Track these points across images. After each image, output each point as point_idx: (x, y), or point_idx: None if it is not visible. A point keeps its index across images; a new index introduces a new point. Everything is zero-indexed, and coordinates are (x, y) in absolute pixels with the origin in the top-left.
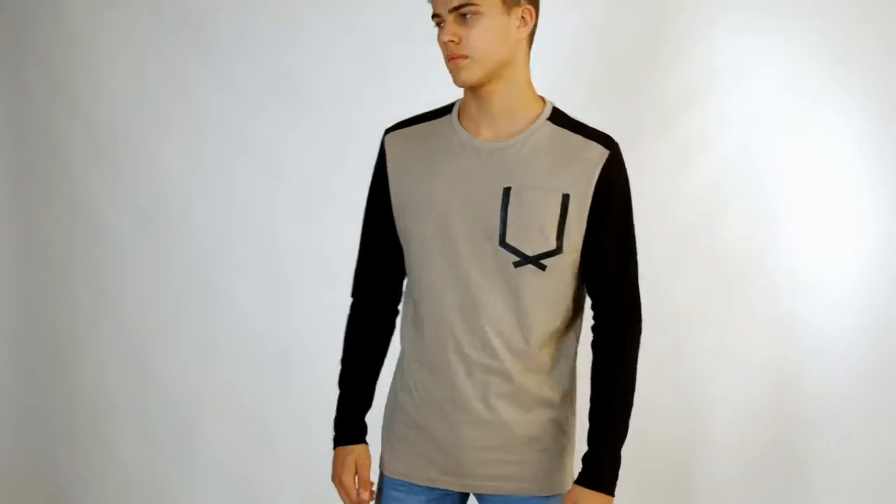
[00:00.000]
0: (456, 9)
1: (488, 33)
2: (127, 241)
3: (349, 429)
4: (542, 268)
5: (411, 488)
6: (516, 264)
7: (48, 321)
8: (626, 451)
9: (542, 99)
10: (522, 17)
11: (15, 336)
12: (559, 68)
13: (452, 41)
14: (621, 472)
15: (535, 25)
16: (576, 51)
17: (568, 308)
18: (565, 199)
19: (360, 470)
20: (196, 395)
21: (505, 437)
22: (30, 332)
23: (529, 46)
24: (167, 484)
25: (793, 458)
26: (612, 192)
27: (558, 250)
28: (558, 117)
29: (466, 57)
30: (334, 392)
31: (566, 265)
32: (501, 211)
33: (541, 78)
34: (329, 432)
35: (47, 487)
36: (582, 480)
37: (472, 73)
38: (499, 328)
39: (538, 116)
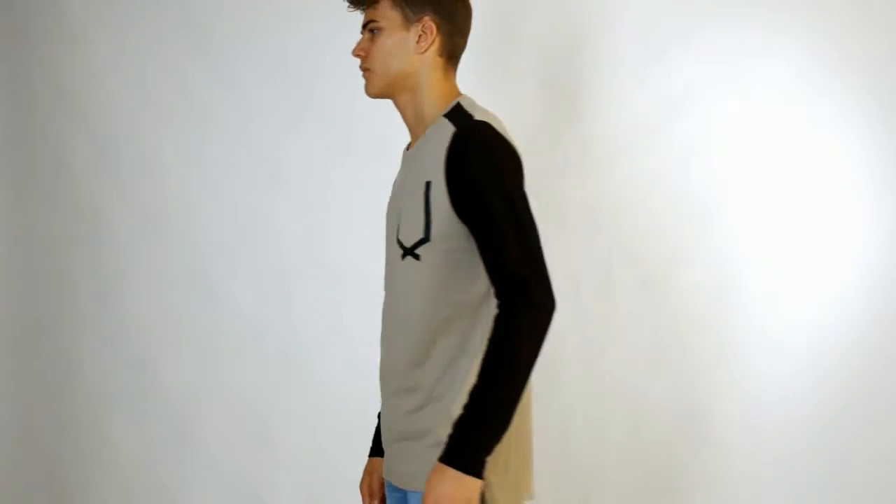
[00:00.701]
0: (365, 25)
1: (385, 48)
2: (127, 240)
3: (372, 443)
4: (417, 257)
5: (389, 484)
6: (402, 257)
7: (49, 321)
8: (624, 452)
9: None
10: (423, 31)
11: (16, 336)
12: (556, 67)
13: (360, 55)
14: (619, 473)
15: (448, 38)
16: (573, 49)
17: (457, 301)
18: (427, 186)
19: (371, 479)
20: (196, 395)
21: (404, 431)
22: (31, 331)
23: (447, 58)
24: (167, 484)
25: (790, 459)
26: (463, 168)
27: (426, 238)
28: (454, 112)
29: (369, 70)
30: (334, 392)
31: (439, 253)
32: (400, 210)
33: (537, 75)
34: (328, 431)
35: (48, 487)
36: (441, 456)
37: (373, 85)
38: (398, 323)
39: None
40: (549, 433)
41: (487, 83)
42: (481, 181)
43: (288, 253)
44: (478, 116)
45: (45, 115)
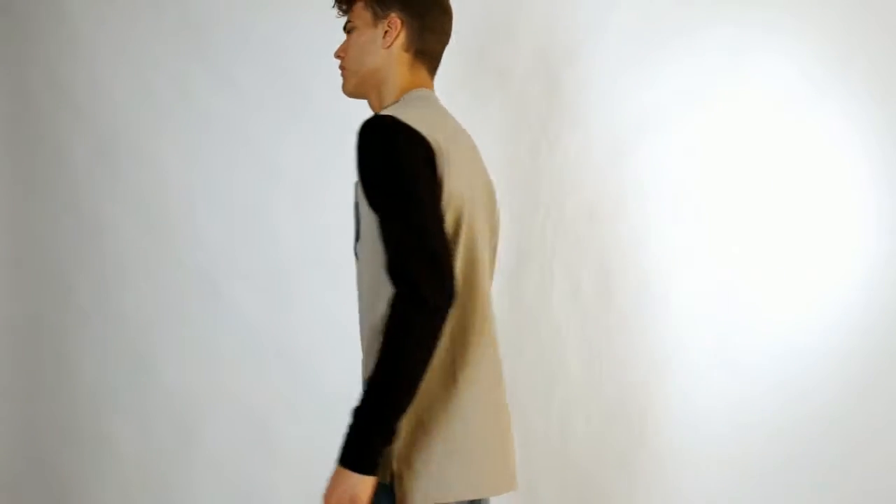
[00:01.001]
0: (344, 27)
1: (356, 45)
2: (127, 240)
3: None
4: (357, 257)
5: None
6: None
7: (48, 321)
8: (624, 452)
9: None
10: (388, 27)
11: (15, 336)
12: (556, 67)
13: (339, 56)
14: (619, 473)
15: (417, 35)
16: (572, 49)
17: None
18: (356, 187)
19: None
20: (196, 395)
21: None
22: (30, 331)
23: (414, 54)
24: (167, 484)
25: (792, 460)
26: (359, 164)
27: (357, 237)
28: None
29: (345, 68)
30: (334, 392)
31: (369, 251)
32: None
33: (538, 75)
34: (328, 431)
35: (47, 487)
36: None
37: (347, 83)
38: (360, 321)
39: None
40: (550, 433)
41: (488, 84)
42: (372, 176)
43: (288, 253)
44: (390, 111)
45: (44, 115)
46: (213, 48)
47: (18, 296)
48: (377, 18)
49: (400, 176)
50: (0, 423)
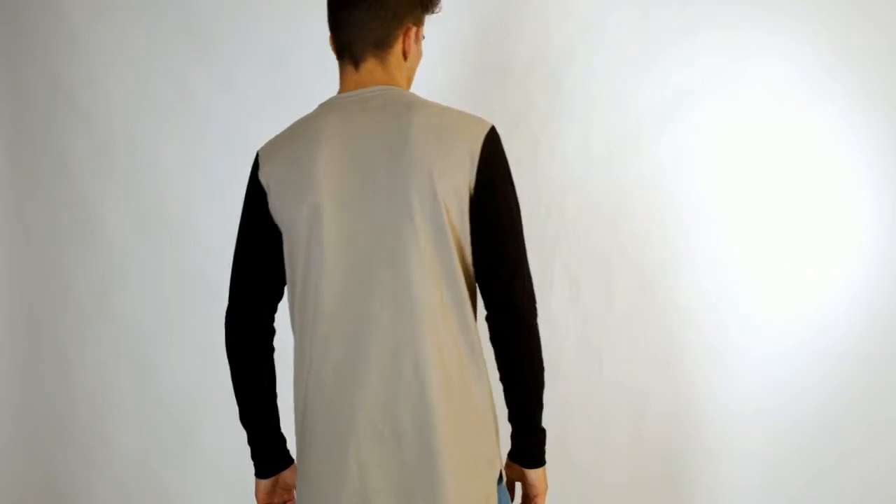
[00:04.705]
0: None
1: None
2: (127, 240)
3: None
4: None
5: None
6: None
7: (48, 321)
8: (624, 452)
9: None
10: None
11: (15, 336)
12: (556, 67)
13: None
14: (619, 473)
15: (332, 36)
16: (572, 48)
17: None
18: None
19: None
20: (196, 395)
21: None
22: (30, 331)
23: (339, 56)
24: (167, 484)
25: (791, 460)
26: None
27: None
28: None
29: None
30: None
31: None
32: None
33: (537, 74)
34: None
35: (47, 487)
36: None
37: None
38: None
39: None
40: (549, 433)
41: (488, 83)
42: None
43: None
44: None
45: (44, 115)
46: (213, 48)
47: (18, 296)
48: None
49: (243, 204)
50: (0, 423)
